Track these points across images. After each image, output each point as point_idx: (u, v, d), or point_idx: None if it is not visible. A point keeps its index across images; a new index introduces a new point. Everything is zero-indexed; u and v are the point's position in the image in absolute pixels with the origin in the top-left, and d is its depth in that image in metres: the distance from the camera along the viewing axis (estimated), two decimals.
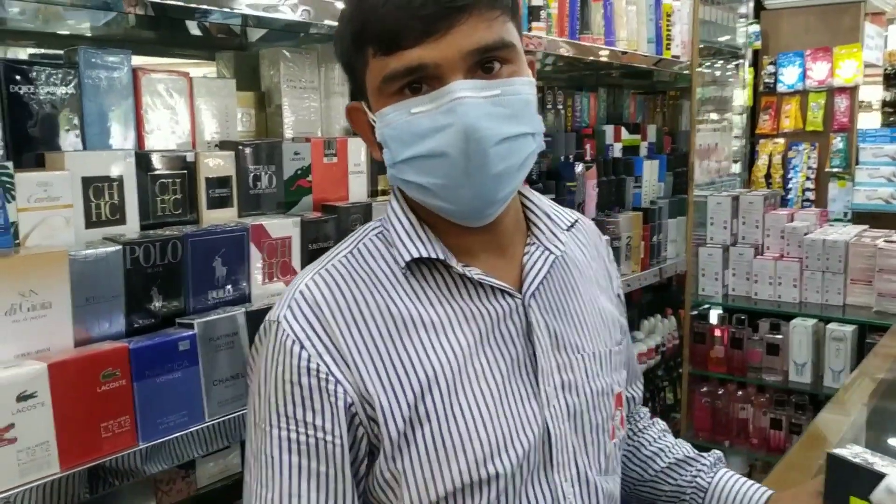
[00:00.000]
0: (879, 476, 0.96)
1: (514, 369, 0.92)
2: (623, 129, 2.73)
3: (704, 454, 1.22)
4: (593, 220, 2.47)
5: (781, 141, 5.71)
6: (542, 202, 1.03)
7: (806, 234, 3.00)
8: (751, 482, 1.15)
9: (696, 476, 1.17)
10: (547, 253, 0.98)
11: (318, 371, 0.87)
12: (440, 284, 0.93)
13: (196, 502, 1.59)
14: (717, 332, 3.05)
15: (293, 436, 0.87)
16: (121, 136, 1.33)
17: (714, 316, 3.19)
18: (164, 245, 1.26)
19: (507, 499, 0.90)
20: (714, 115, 3.45)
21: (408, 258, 0.92)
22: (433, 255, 0.92)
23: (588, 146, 2.56)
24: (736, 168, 4.30)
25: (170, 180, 1.35)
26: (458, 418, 0.88)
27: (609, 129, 2.67)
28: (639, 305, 3.20)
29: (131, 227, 1.30)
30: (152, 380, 1.19)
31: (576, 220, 1.08)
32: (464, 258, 0.94)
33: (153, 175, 1.33)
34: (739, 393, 3.03)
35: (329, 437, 0.87)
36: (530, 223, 1.01)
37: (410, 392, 0.87)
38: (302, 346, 0.87)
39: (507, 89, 0.86)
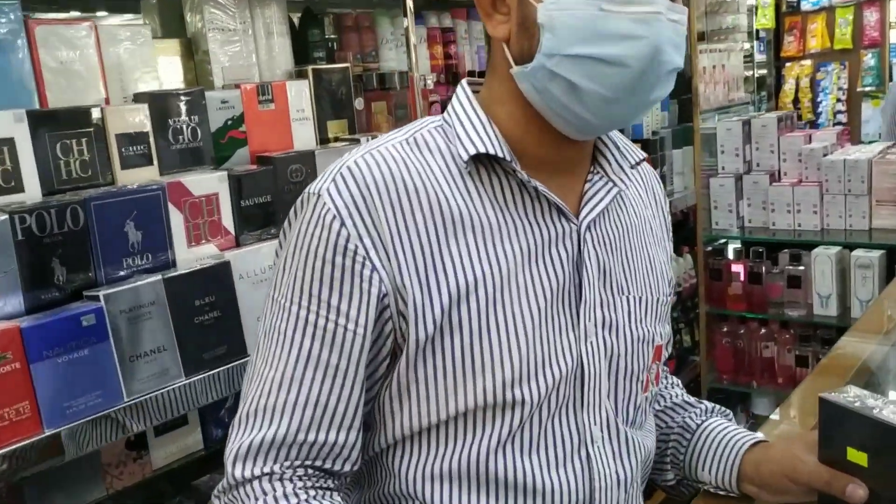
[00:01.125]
0: (877, 424, 0.81)
1: (558, 296, 0.86)
2: None
3: (706, 402, 1.10)
4: None
5: (808, 63, 5.41)
6: (613, 132, 0.95)
7: (825, 155, 2.77)
8: (743, 430, 1.03)
9: (686, 417, 1.07)
10: (610, 185, 0.92)
11: (355, 253, 0.80)
12: (497, 189, 0.86)
13: (153, 484, 1.50)
14: (734, 268, 2.87)
15: (312, 318, 0.81)
16: (14, 94, 1.21)
17: (730, 251, 2.99)
18: (61, 211, 1.14)
19: (531, 430, 0.85)
20: (722, 35, 3.20)
21: (472, 152, 0.85)
22: (499, 154, 0.85)
23: None
24: (748, 95, 4.03)
25: (73, 140, 1.23)
26: (492, 333, 0.83)
27: None
28: None
29: (31, 194, 1.18)
30: (53, 360, 1.08)
31: (643, 159, 0.99)
32: (528, 171, 0.86)
33: (53, 135, 1.20)
34: (762, 331, 2.85)
35: (352, 327, 0.81)
36: (597, 151, 0.95)
37: (447, 295, 0.81)
38: (343, 223, 0.80)
39: (683, 17, 0.83)
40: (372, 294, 0.81)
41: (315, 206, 0.82)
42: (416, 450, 0.86)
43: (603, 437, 0.90)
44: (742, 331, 2.90)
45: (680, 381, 1.18)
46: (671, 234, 1.08)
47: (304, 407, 0.82)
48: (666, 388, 1.14)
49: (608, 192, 0.91)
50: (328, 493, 0.84)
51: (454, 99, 0.91)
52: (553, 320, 0.86)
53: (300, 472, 0.82)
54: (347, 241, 0.80)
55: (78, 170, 1.23)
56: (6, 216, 1.09)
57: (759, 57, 5.53)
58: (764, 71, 5.52)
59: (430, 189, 0.84)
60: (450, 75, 2.16)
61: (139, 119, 1.30)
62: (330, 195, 0.81)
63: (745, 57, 3.63)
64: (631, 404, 0.93)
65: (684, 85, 2.73)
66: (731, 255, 2.95)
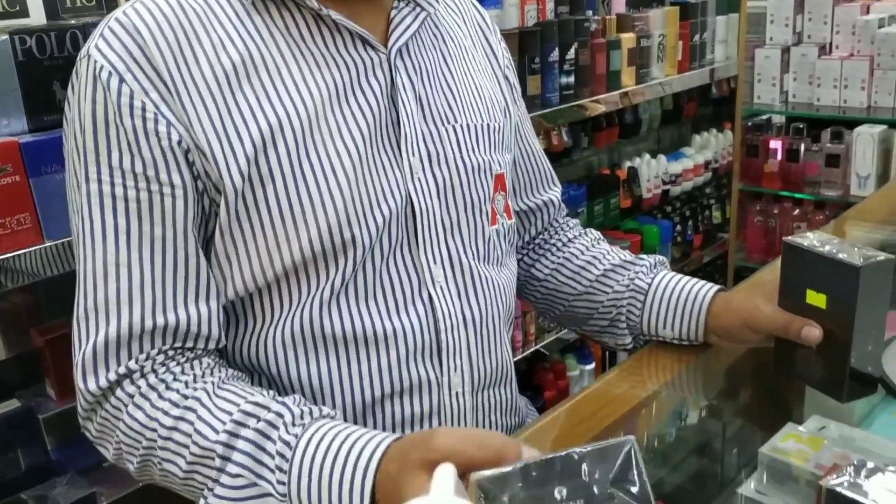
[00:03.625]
0: (836, 263, 0.81)
1: (377, 133, 0.82)
2: None
3: (645, 256, 1.08)
4: (618, 15, 2.23)
5: None
6: None
7: (880, 27, 2.62)
8: (696, 280, 1.02)
9: (633, 278, 1.04)
10: (419, 9, 0.87)
11: (143, 110, 0.73)
12: (290, 24, 0.80)
13: None
14: (773, 144, 2.78)
15: (120, 191, 0.74)
16: None
17: (769, 126, 2.89)
18: (61, 35, 1.17)
19: (364, 276, 0.82)
20: None
21: None
22: None
23: None
24: None
25: None
26: (307, 178, 0.78)
27: None
28: (693, 118, 2.95)
29: (35, 19, 1.22)
30: (51, 176, 1.14)
31: None
32: (324, 1, 0.81)
33: None
34: (795, 210, 2.79)
35: (167, 190, 0.75)
36: None
37: (250, 143, 0.75)
38: (122, 80, 0.73)
39: None
40: (176, 150, 0.74)
41: (88, 69, 0.74)
42: (251, 317, 0.82)
43: (446, 275, 0.86)
44: (775, 210, 2.84)
45: (601, 235, 1.15)
46: (508, 59, 1.04)
47: (142, 291, 0.75)
48: (594, 246, 1.11)
49: (416, 17, 0.86)
50: (194, 361, 0.78)
51: None
52: (374, 158, 0.81)
53: (160, 358, 0.76)
54: (132, 98, 0.73)
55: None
56: (6, 36, 1.13)
57: None
58: None
59: (212, 33, 0.77)
60: None
61: None
62: (101, 52, 0.73)
63: None
64: (478, 238, 0.90)
65: None
66: (770, 132, 2.86)
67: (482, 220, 0.90)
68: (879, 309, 0.82)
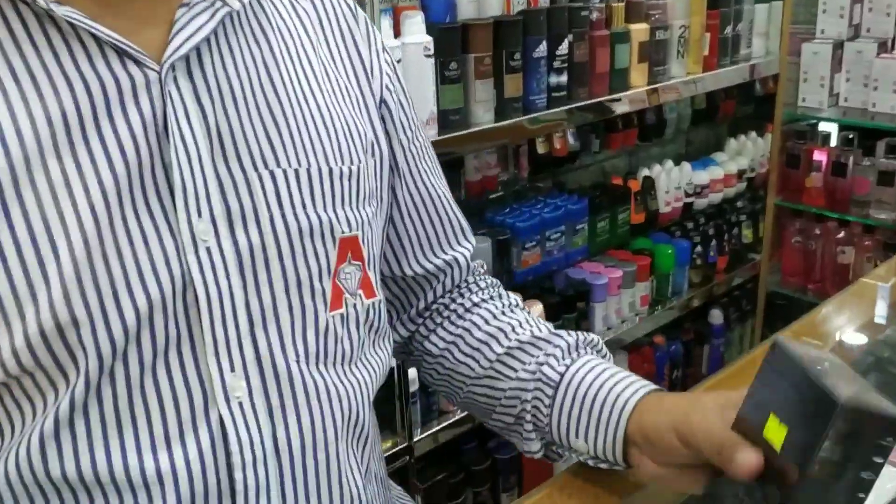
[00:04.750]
0: (814, 387, 0.55)
1: (135, 184, 0.57)
2: None
3: (566, 332, 0.79)
4: (629, 2, 1.89)
5: None
6: None
7: None
8: (630, 375, 0.73)
9: (542, 363, 0.76)
10: (219, 4, 0.61)
11: None
12: (4, 29, 0.55)
13: None
14: (817, 155, 2.40)
15: None
16: None
17: (815, 134, 2.50)
18: None
19: (112, 393, 0.58)
20: None
21: None
22: None
23: None
24: None
25: None
26: (7, 254, 0.53)
27: None
28: (730, 119, 2.59)
29: None
30: None
31: None
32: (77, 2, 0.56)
33: None
34: (841, 233, 2.42)
35: None
36: None
37: None
38: None
39: None
40: None
41: None
42: None
43: (250, 387, 0.61)
44: (816, 230, 2.47)
45: (520, 299, 0.87)
46: (392, 81, 0.77)
47: None
48: (504, 314, 0.82)
49: (211, 15, 0.60)
50: None
51: None
52: (126, 222, 0.56)
53: None
54: None
55: None
56: None
57: None
58: None
59: None
60: None
61: None
62: None
63: None
64: (308, 330, 0.65)
65: None
66: (814, 140, 2.48)
67: (314, 304, 0.64)
68: (854, 479, 0.55)
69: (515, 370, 0.78)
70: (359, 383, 0.69)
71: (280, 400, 0.62)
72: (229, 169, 0.60)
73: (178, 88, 0.58)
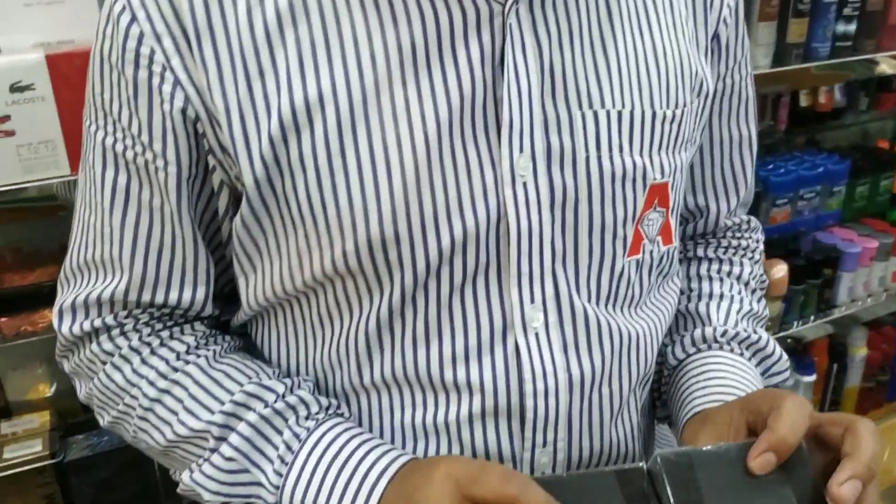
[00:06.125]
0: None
1: (466, 116, 0.59)
2: None
3: (742, 319, 0.79)
4: None
5: None
6: None
7: None
8: (719, 384, 0.71)
9: (679, 340, 0.78)
10: None
11: (150, 60, 0.58)
12: None
13: None
14: None
15: (118, 147, 0.63)
16: None
17: None
18: None
19: (425, 309, 0.62)
20: None
21: None
22: None
23: None
24: None
25: None
26: (350, 171, 0.58)
27: None
28: None
29: None
30: None
31: None
32: None
33: None
34: None
35: (160, 163, 0.61)
36: None
37: (276, 121, 0.57)
38: (134, 18, 0.58)
39: None
40: (176, 118, 0.59)
41: (110, 4, 0.60)
42: (274, 341, 0.69)
43: (547, 321, 0.63)
44: None
45: (755, 273, 0.83)
46: (731, 11, 0.73)
47: (131, 264, 0.65)
48: (708, 273, 0.81)
49: None
50: (185, 326, 0.69)
51: None
52: (455, 152, 0.59)
53: (144, 318, 0.67)
54: (140, 42, 0.58)
55: None
56: None
57: None
58: None
59: None
60: None
61: None
62: None
63: None
64: (604, 273, 0.65)
65: None
66: None
67: (613, 249, 0.65)
68: None
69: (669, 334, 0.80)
70: (647, 326, 0.70)
71: (574, 336, 0.64)
72: (556, 107, 0.61)
73: (519, 22, 0.59)
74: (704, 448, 0.56)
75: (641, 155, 0.64)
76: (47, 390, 1.14)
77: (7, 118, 0.95)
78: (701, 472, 0.55)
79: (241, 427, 0.62)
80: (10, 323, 1.15)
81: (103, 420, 0.70)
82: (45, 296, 1.19)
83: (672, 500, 0.53)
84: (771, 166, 1.82)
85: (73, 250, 0.68)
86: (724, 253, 0.84)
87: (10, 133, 0.96)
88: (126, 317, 0.67)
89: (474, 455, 0.64)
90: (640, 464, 0.55)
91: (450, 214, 0.59)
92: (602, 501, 0.53)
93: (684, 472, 0.54)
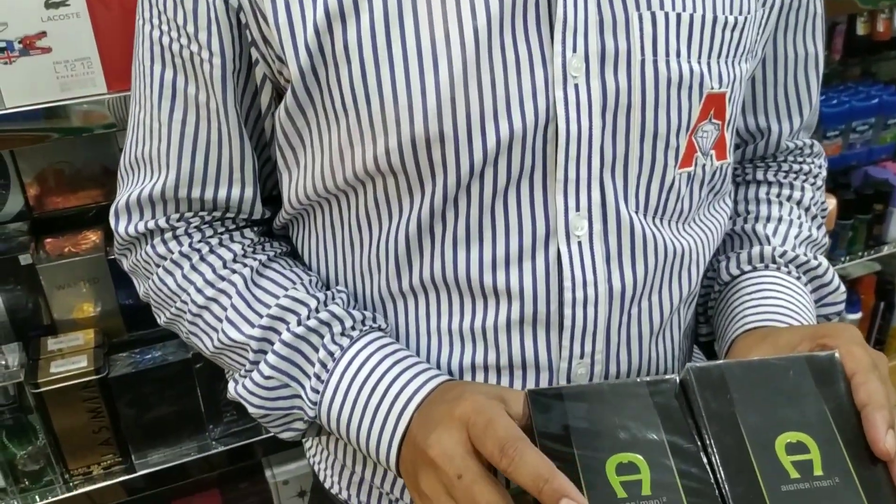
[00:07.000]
0: None
1: (518, 10, 0.57)
2: None
3: (798, 242, 0.77)
4: None
5: None
6: None
7: None
8: (773, 304, 0.69)
9: (732, 257, 0.76)
10: None
11: None
12: None
13: None
14: None
15: (165, 40, 0.64)
16: None
17: None
18: None
19: (467, 210, 0.61)
20: None
21: None
22: None
23: None
24: None
25: None
26: (395, 63, 0.57)
27: None
28: None
29: None
30: None
31: None
32: None
33: None
34: None
35: (205, 55, 0.62)
36: None
37: (322, 10, 0.56)
38: None
39: None
40: (218, 8, 0.60)
41: None
42: (314, 240, 0.70)
43: (591, 229, 0.61)
44: None
45: (820, 175, 0.82)
46: None
47: (179, 159, 0.66)
48: (768, 197, 0.80)
49: None
50: (234, 233, 0.70)
51: None
52: (504, 47, 0.56)
53: (195, 222, 0.69)
54: None
55: None
56: None
57: None
58: None
59: None
60: None
61: None
62: None
63: None
64: (654, 183, 0.63)
65: None
66: None
67: (665, 159, 0.62)
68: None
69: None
70: (694, 242, 0.68)
71: (618, 248, 0.63)
72: (612, 6, 0.58)
73: None
74: (735, 361, 0.55)
75: (699, 61, 0.61)
76: (91, 309, 1.17)
77: (43, 34, 0.95)
78: (733, 384, 0.54)
79: (277, 346, 0.63)
80: (54, 244, 1.18)
81: (160, 318, 0.73)
82: (87, 218, 1.22)
83: (703, 411, 0.52)
84: (823, 97, 1.76)
85: (126, 148, 0.70)
86: (785, 177, 0.81)
87: (47, 50, 0.96)
88: (178, 220, 0.68)
89: (511, 363, 0.64)
90: (673, 375, 0.55)
91: (497, 114, 0.58)
92: (633, 410, 0.53)
93: (715, 383, 0.54)
